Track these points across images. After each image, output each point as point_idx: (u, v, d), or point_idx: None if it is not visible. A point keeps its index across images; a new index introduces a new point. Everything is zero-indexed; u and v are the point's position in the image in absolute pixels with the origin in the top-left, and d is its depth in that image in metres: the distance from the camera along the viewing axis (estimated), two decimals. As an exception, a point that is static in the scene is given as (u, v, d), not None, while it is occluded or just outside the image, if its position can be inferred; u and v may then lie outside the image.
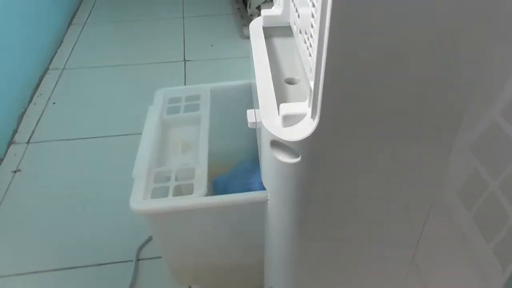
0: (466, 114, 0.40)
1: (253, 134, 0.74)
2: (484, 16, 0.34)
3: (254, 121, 0.54)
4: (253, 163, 0.75)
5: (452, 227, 0.52)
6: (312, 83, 0.38)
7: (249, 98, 0.71)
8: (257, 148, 0.77)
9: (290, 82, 0.55)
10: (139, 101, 1.36)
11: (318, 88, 0.37)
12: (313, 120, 0.40)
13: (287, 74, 0.56)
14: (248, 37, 1.63)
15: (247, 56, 1.51)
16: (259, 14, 0.65)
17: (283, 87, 0.54)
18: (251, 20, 1.60)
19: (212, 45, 1.57)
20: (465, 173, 0.47)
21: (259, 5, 1.51)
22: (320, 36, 0.35)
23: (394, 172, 0.44)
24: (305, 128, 0.41)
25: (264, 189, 0.52)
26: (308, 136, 0.40)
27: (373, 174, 0.45)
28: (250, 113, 0.56)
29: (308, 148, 0.41)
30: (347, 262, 0.54)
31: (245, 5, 1.66)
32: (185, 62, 1.48)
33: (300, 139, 0.40)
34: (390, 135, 0.41)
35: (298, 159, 0.42)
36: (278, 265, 0.55)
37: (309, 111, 0.41)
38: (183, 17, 1.80)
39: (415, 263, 0.56)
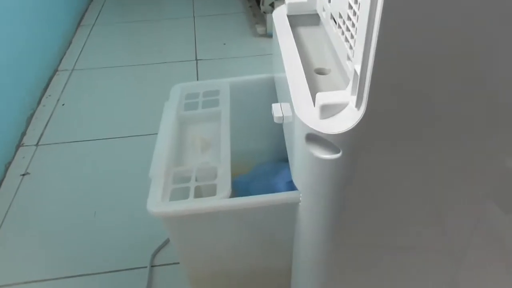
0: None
1: (274, 132, 0.70)
2: None
3: (281, 115, 0.50)
4: (276, 163, 0.70)
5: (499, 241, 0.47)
6: (357, 67, 0.34)
7: (270, 93, 0.66)
8: (279, 148, 0.73)
9: (321, 72, 0.51)
10: (150, 102, 1.33)
11: (366, 71, 0.33)
12: (358, 109, 0.35)
13: (316, 64, 0.52)
14: (261, 35, 1.57)
15: (261, 54, 1.47)
16: (272, 12, 0.61)
17: (313, 77, 0.49)
18: (263, 18, 1.57)
19: (224, 44, 1.53)
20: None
21: (273, 2, 1.47)
22: (371, 11, 0.30)
23: (447, 173, 0.39)
24: (347, 119, 0.36)
25: (291, 189, 0.47)
26: (351, 129, 0.35)
27: (423, 173, 0.40)
28: (276, 107, 0.51)
29: (350, 142, 0.36)
30: (384, 270, 0.49)
31: (258, 2, 1.62)
32: (197, 62, 1.44)
33: (342, 131, 0.36)
34: (447, 131, 0.36)
35: (339, 154, 0.37)
36: (309, 272, 0.50)
37: (352, 99, 0.36)
38: (194, 16, 1.76)
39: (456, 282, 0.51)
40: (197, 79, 1.34)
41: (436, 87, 0.33)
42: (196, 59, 1.46)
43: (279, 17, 0.59)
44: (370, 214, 0.42)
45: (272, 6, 1.48)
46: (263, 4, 1.51)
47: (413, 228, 0.45)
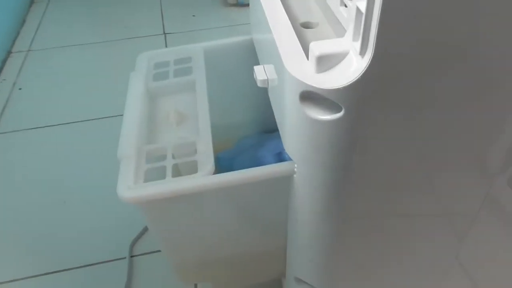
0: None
1: (257, 101, 0.64)
2: None
3: (265, 78, 0.43)
4: (261, 135, 0.65)
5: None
6: (362, 3, 0.28)
7: (249, 57, 0.60)
8: (263, 118, 0.67)
9: (307, 26, 0.44)
10: (116, 81, 1.22)
11: (373, 9, 0.27)
12: (362, 57, 0.29)
13: (302, 18, 0.46)
14: (232, 5, 1.48)
15: (232, 25, 1.38)
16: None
17: (300, 32, 0.43)
18: (234, -13, 1.47)
19: (193, 16, 1.43)
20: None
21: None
22: None
23: (457, 136, 0.34)
24: (350, 70, 0.30)
25: (281, 162, 0.41)
26: (356, 80, 0.29)
27: (432, 133, 0.34)
28: (258, 69, 0.45)
29: (354, 97, 0.30)
30: (390, 243, 0.44)
31: (226, -30, 1.52)
32: (165, 35, 1.35)
33: (344, 85, 0.30)
34: (467, 80, 0.31)
35: (340, 114, 0.31)
36: (307, 252, 0.45)
37: (354, 46, 0.30)
38: (159, -12, 1.65)
39: (460, 260, 0.47)
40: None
41: (457, 28, 0.28)
42: (164, 33, 1.36)
43: (256, -33, 0.52)
44: (373, 181, 0.37)
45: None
46: (232, -29, 1.42)
47: (419, 195, 0.40)
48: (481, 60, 0.30)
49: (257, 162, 0.54)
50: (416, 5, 0.26)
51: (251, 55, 0.59)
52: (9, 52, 1.34)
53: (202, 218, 0.44)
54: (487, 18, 0.28)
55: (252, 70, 0.45)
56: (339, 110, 0.32)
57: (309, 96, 0.32)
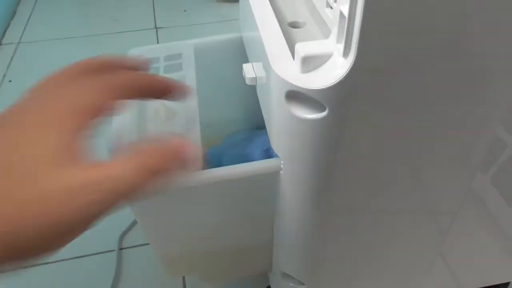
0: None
1: (246, 98, 0.64)
2: None
3: (254, 76, 0.44)
4: (249, 131, 0.66)
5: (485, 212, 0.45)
6: (345, 8, 0.29)
7: (239, 55, 0.60)
8: (252, 115, 0.67)
9: (294, 26, 0.45)
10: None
11: (355, 12, 0.28)
12: (345, 58, 0.30)
13: (289, 17, 0.46)
14: (223, 0, 1.49)
15: (223, 20, 1.39)
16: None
17: (288, 31, 0.44)
18: (226, -19, 1.47)
19: (185, 10, 1.43)
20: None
21: (235, -37, 1.38)
22: None
23: (442, 133, 0.36)
24: (333, 71, 0.31)
25: (269, 158, 0.42)
26: (339, 81, 0.30)
27: (415, 132, 0.36)
28: (247, 67, 0.46)
29: (337, 97, 0.32)
30: (374, 238, 0.46)
31: (218, -35, 1.52)
32: (156, 30, 1.35)
33: (328, 85, 0.31)
34: (450, 78, 0.32)
35: (324, 113, 0.32)
36: (293, 247, 0.46)
37: (337, 48, 0.31)
38: (150, -18, 1.64)
39: (443, 253, 0.49)
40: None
41: (437, 29, 0.29)
42: (156, 27, 1.36)
43: (246, -34, 0.53)
44: (357, 178, 0.39)
45: (235, -33, 1.39)
46: (224, -34, 1.42)
47: (402, 191, 0.42)
48: (463, 60, 0.31)
49: (245, 158, 0.55)
50: (397, 9, 0.27)
51: (241, 52, 0.60)
52: (-2, 44, 1.33)
53: (189, 213, 0.45)
54: (469, 22, 0.29)
55: (242, 67, 0.46)
56: (323, 110, 0.33)
57: (294, 96, 0.33)
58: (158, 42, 1.27)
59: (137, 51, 0.59)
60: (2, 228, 0.20)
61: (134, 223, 0.79)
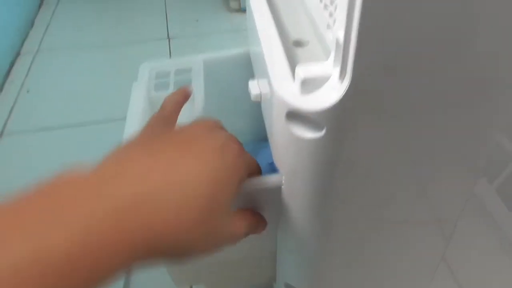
0: None
1: (254, 110, 0.66)
2: None
3: (259, 92, 0.46)
4: (255, 143, 0.67)
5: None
6: (340, 34, 0.30)
7: (247, 69, 0.62)
8: (260, 127, 0.69)
9: (299, 44, 0.47)
10: (122, 84, 1.25)
11: (350, 40, 0.29)
12: (341, 82, 0.32)
13: (294, 35, 0.48)
14: (235, 10, 1.51)
15: (235, 29, 1.41)
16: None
17: (291, 50, 0.45)
18: (237, -9, 1.50)
19: (197, 20, 1.46)
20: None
21: (246, -26, 1.40)
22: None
23: (437, 146, 0.37)
24: (331, 93, 0.33)
25: (271, 171, 0.44)
26: (336, 103, 0.32)
27: (411, 148, 0.37)
28: (252, 84, 0.47)
29: (335, 118, 0.33)
30: (377, 248, 0.47)
31: (230, -25, 1.55)
32: (169, 40, 1.38)
33: (325, 107, 0.32)
34: (435, 106, 0.33)
35: (322, 132, 0.34)
36: (296, 258, 0.47)
37: (335, 71, 0.33)
38: (164, -8, 1.68)
39: (446, 260, 0.50)
40: (170, 58, 1.28)
41: (424, 54, 0.30)
42: (168, 37, 1.39)
43: (252, -15, 0.55)
44: (359, 191, 0.40)
45: (246, -22, 1.42)
46: (236, -23, 1.45)
47: (403, 202, 0.43)
48: (454, 75, 0.32)
49: (251, 171, 0.57)
50: (390, 38, 0.29)
51: (248, 66, 0.61)
52: (18, 54, 1.38)
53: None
54: (449, 57, 0.30)
55: (248, 82, 0.48)
56: (321, 129, 0.34)
57: (294, 116, 0.35)
58: (170, 52, 1.30)
59: (149, 66, 0.62)
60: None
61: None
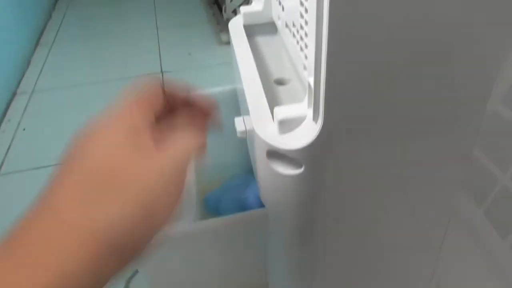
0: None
1: (243, 144, 0.68)
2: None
3: (244, 129, 0.48)
4: (246, 175, 0.69)
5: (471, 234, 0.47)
6: (311, 80, 0.32)
7: (236, 105, 0.65)
8: (247, 161, 0.71)
9: (280, 82, 0.49)
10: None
11: (320, 85, 0.31)
12: (316, 122, 0.34)
13: (276, 74, 0.51)
14: (226, 43, 1.55)
15: (227, 62, 1.45)
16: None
17: (273, 88, 0.48)
18: (227, 25, 1.55)
19: (189, 54, 1.50)
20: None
21: (235, 9, 1.46)
22: (318, 21, 0.29)
23: (413, 176, 0.39)
24: (307, 133, 0.35)
25: (261, 204, 0.45)
26: (312, 142, 0.34)
27: (386, 179, 0.39)
28: (238, 121, 0.50)
29: (312, 156, 0.35)
30: (361, 272, 0.48)
31: (220, 10, 1.61)
32: (162, 74, 1.41)
33: (302, 146, 0.34)
34: (405, 133, 0.35)
35: (301, 169, 0.36)
36: (285, 284, 0.49)
37: (309, 112, 0.35)
38: (157, 28, 1.73)
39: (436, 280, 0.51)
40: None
41: (390, 91, 0.32)
42: (162, 71, 1.43)
43: (235, 27, 0.58)
44: (340, 223, 0.41)
45: (235, 13, 1.47)
46: (225, 11, 1.50)
47: (387, 228, 0.44)
48: (418, 106, 0.35)
49: (241, 203, 0.58)
50: (356, 81, 0.31)
51: (235, 102, 0.64)
52: (14, 93, 1.41)
53: (184, 260, 0.48)
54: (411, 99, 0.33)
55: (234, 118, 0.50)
56: (300, 167, 0.36)
57: (274, 154, 0.37)
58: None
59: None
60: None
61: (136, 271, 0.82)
